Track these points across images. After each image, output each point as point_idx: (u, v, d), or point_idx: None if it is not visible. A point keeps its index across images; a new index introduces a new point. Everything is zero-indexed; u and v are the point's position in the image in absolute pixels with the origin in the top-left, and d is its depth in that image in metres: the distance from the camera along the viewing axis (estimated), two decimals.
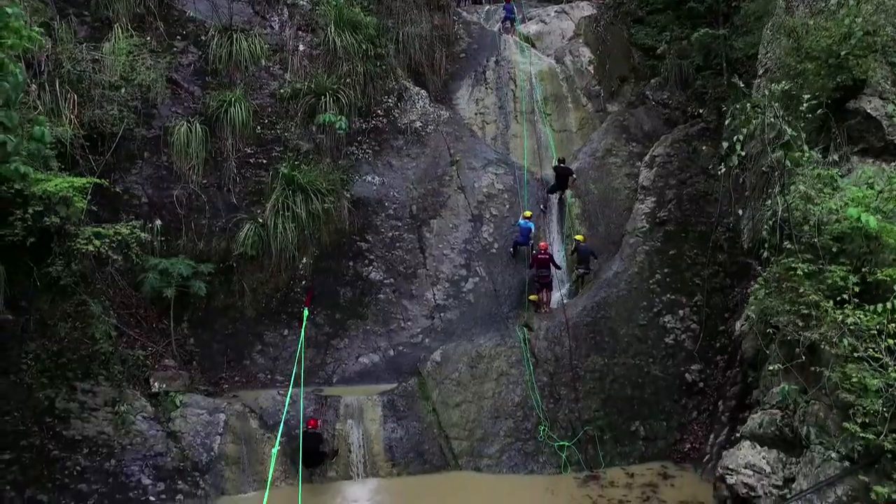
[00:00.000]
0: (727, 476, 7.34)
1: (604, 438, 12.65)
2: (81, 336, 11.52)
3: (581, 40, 18.61)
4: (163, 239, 12.92)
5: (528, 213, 14.74)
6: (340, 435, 12.04)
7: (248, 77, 14.42)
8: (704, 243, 14.03)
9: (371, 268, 14.23)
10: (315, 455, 11.09)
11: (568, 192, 15.49)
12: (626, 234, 14.76)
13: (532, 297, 14.24)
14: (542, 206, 15.72)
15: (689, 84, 16.48)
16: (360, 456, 11.98)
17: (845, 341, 6.28)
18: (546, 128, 16.97)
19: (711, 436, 12.22)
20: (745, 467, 7.21)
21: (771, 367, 7.47)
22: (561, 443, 12.30)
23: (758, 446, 7.40)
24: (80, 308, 11.60)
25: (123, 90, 12.71)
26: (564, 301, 14.37)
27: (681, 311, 13.72)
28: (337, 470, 11.66)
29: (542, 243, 14.47)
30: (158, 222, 13.13)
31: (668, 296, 13.82)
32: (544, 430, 12.39)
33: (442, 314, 14.09)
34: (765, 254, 7.88)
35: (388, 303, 14.20)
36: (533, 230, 14.63)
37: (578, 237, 14.69)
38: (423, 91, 15.91)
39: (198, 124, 13.51)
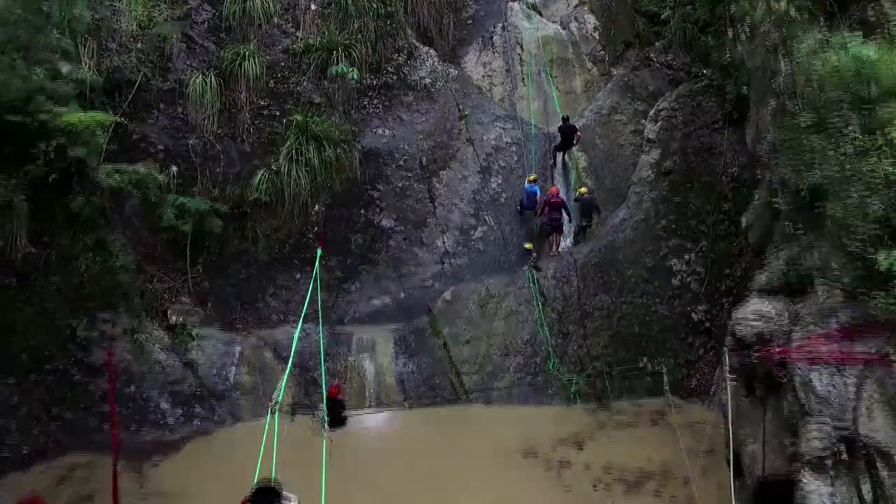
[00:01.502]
0: (737, 327, 7.86)
1: (612, 374, 13.17)
2: (102, 269, 12.07)
3: (586, 7, 19.35)
4: (179, 183, 13.55)
5: (532, 177, 15.20)
6: (353, 368, 12.57)
7: (262, 34, 15.12)
8: (709, 193, 14.57)
9: (382, 216, 14.84)
10: (337, 420, 11.28)
11: (574, 148, 16.12)
12: (632, 184, 15.35)
13: (528, 245, 14.80)
14: (551, 162, 16.35)
15: (694, 46, 17.15)
16: (374, 388, 12.50)
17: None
18: (552, 90, 17.65)
19: (717, 370, 12.74)
20: (754, 316, 7.74)
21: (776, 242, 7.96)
22: (570, 375, 12.79)
23: (765, 297, 7.93)
24: (101, 242, 12.19)
25: (140, 44, 13.44)
26: (570, 248, 14.95)
27: (686, 256, 14.27)
28: (351, 401, 12.18)
29: (553, 188, 15.06)
30: (174, 168, 13.77)
31: (674, 241, 14.38)
32: (554, 364, 12.90)
33: (452, 260, 14.68)
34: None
35: (398, 249, 14.80)
36: (539, 194, 15.19)
37: (582, 190, 15.27)
38: (431, 51, 16.63)
39: (213, 76, 14.18)
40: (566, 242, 15.17)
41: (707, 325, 13.71)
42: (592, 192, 15.27)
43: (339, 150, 13.97)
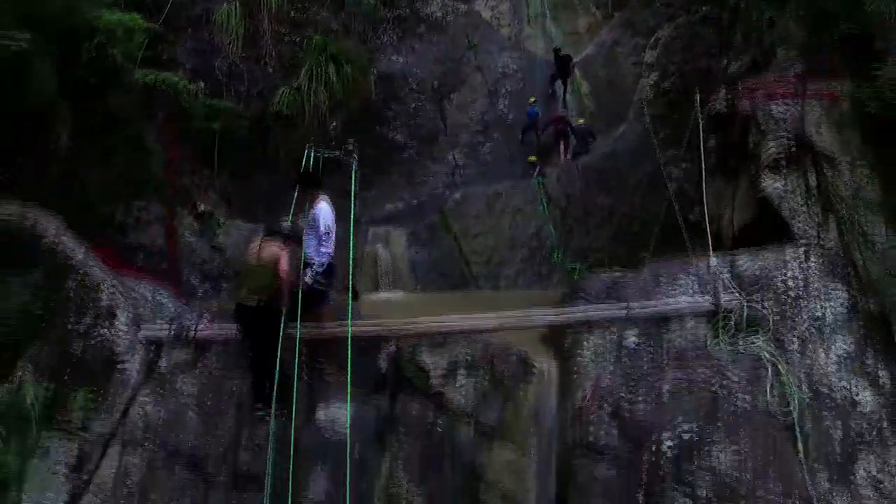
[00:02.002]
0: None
1: (613, 266, 14.10)
2: (137, 164, 13.31)
3: None
4: (207, 94, 14.82)
5: (532, 100, 16.46)
6: (369, 254, 13.63)
7: None
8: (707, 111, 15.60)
9: (396, 132, 15.99)
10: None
11: (577, 73, 17.28)
12: (632, 104, 16.47)
13: (531, 158, 15.90)
14: (550, 91, 17.53)
15: None
16: (388, 273, 13.56)
17: None
18: (557, 30, 18.91)
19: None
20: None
21: None
22: (573, 264, 13.79)
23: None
24: (136, 138, 13.44)
25: None
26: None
27: (684, 164, 15.28)
28: (366, 284, 13.23)
29: (557, 114, 16.27)
30: (202, 83, 15.05)
31: (672, 151, 15.40)
32: (557, 255, 13.91)
33: (461, 171, 15.77)
34: None
35: (411, 162, 15.93)
36: (540, 114, 16.36)
37: (580, 121, 16.45)
38: None
39: (237, 3, 15.58)
40: (568, 156, 16.21)
41: (702, 226, 14.55)
42: (586, 122, 16.30)
43: (355, 72, 15.17)
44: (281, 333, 6.63)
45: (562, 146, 15.78)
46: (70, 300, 7.16)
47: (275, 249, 6.99)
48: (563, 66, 16.75)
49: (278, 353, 6.47)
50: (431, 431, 6.88)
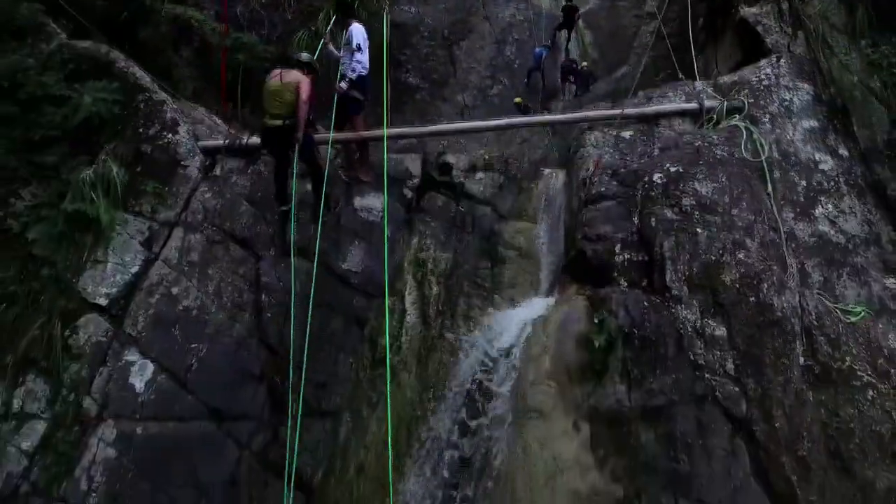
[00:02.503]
0: None
1: None
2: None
3: None
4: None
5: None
6: None
7: None
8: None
9: (409, 76, 17.63)
10: None
11: (581, 24, 19.02)
12: (632, 49, 18.15)
13: (517, 100, 17.49)
14: (548, 42, 19.25)
15: None
16: None
17: None
18: None
19: None
20: None
21: None
22: None
23: None
24: (165, 68, 15.04)
25: None
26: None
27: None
28: None
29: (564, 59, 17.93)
30: (223, 24, 16.72)
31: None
32: None
33: (470, 112, 17.39)
34: None
35: (423, 102, 17.53)
36: (545, 55, 18.04)
37: (584, 64, 18.10)
38: None
39: None
40: (571, 95, 17.82)
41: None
42: (588, 66, 17.98)
43: (371, 19, 16.84)
44: (295, 153, 7.93)
45: (566, 86, 17.32)
46: (140, 111, 8.60)
47: (297, 74, 8.19)
48: (568, 16, 18.41)
49: (316, 155, 7.79)
50: (454, 214, 8.24)
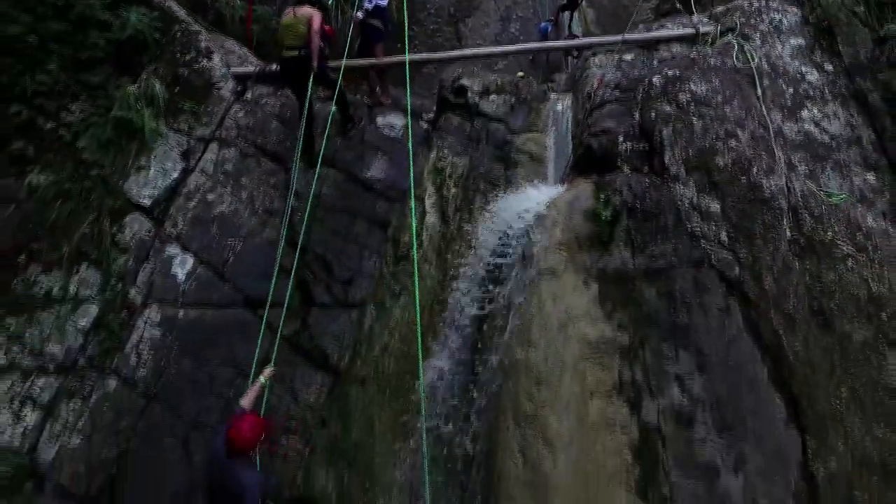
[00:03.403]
0: None
1: None
2: None
3: None
4: None
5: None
6: None
7: None
8: None
9: (416, 49, 18.68)
10: None
11: (584, 4, 20.11)
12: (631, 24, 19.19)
13: (520, 74, 18.47)
14: (551, 19, 20.32)
15: None
16: None
17: None
18: None
19: None
20: None
21: None
22: None
23: None
24: None
25: None
26: None
27: None
28: None
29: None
30: None
31: None
32: None
33: None
34: None
35: (430, 77, 18.52)
36: (549, 29, 19.12)
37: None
38: None
39: None
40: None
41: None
42: None
43: None
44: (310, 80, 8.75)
45: (569, 60, 18.36)
46: (177, 39, 9.54)
47: (308, 9, 8.91)
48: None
49: (339, 79, 8.71)
50: (469, 131, 9.16)
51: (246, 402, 6.43)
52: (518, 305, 6.72)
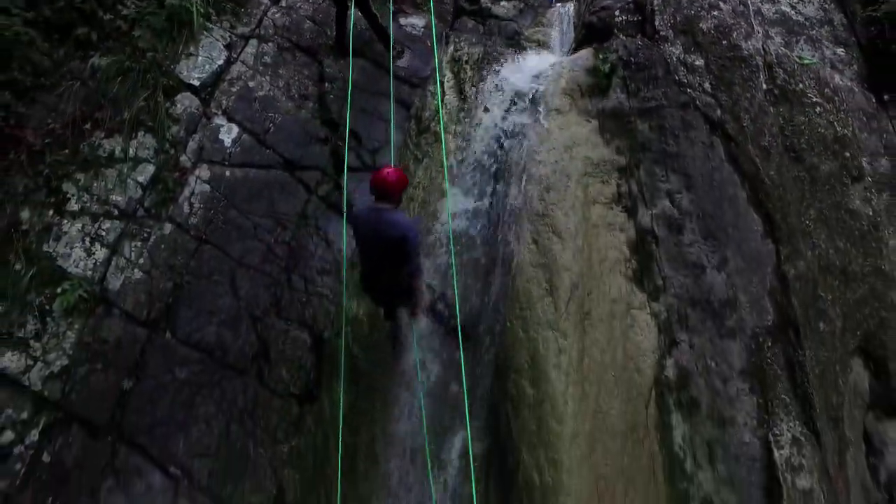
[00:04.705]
0: None
1: None
2: None
3: None
4: None
5: None
6: None
7: None
8: None
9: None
10: None
11: None
12: None
13: None
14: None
15: None
16: None
17: None
18: None
19: None
20: None
21: None
22: None
23: None
24: None
25: None
26: None
27: None
28: None
29: None
30: None
31: None
32: None
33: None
34: None
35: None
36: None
37: None
38: None
39: None
40: None
41: None
42: None
43: None
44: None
45: None
46: None
47: None
48: None
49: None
50: (483, 29, 10.58)
51: None
52: (528, 134, 8.01)
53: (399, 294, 6.72)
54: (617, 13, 9.03)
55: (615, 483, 6.42)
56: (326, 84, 9.80)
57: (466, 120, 9.01)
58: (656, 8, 8.77)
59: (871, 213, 7.99)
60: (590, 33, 9.18)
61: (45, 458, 7.81)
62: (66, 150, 8.93)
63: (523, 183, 7.46)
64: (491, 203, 7.97)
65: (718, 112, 8.16)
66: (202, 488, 7.76)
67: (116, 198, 8.81)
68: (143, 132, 9.21)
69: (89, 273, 8.40)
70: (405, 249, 6.03)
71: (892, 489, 7.40)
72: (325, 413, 7.97)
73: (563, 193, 7.38)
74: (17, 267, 8.31)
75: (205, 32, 9.91)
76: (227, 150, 9.25)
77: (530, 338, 6.68)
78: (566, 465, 6.18)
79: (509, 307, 6.87)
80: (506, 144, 8.25)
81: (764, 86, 8.42)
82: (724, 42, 8.48)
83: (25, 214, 8.55)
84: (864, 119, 8.50)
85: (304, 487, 7.77)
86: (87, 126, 9.18)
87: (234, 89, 9.75)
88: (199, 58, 9.78)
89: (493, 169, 8.32)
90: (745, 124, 8.07)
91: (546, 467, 6.22)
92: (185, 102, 9.48)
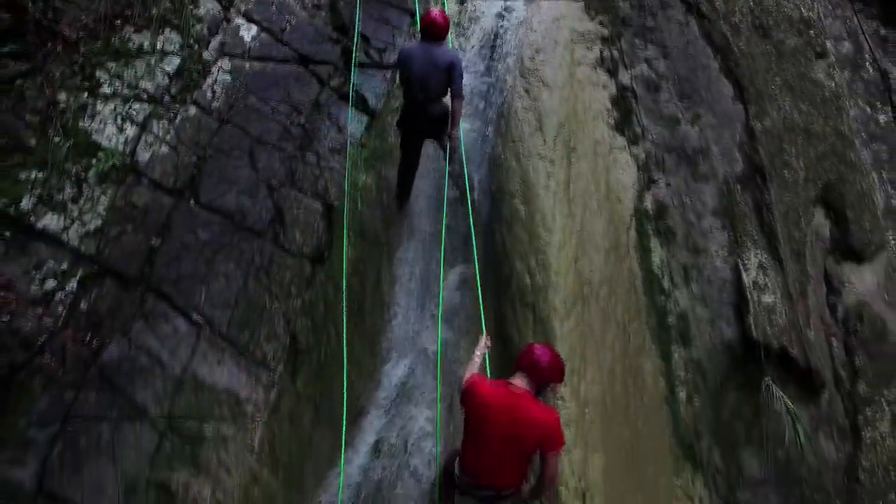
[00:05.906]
0: None
1: None
2: None
3: None
4: None
5: None
6: None
7: None
8: None
9: None
10: None
11: None
12: None
13: None
14: None
15: None
16: None
17: None
18: None
19: None
20: None
21: None
22: None
23: None
24: None
25: None
26: None
27: None
28: None
29: None
30: None
31: None
32: None
33: None
34: None
35: None
36: None
37: None
38: None
39: None
40: None
41: None
42: None
43: None
44: None
45: None
46: None
47: None
48: None
49: None
50: None
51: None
52: (520, 10, 9.12)
53: (437, 119, 7.69)
54: None
55: (599, 289, 7.39)
56: None
57: (467, 19, 10.09)
58: None
59: (833, 86, 9.02)
60: None
61: (83, 306, 8.74)
62: (99, 43, 9.99)
63: (514, 42, 8.51)
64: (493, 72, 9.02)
65: None
66: (222, 335, 8.66)
67: (146, 84, 9.86)
68: (168, 29, 10.28)
69: (121, 147, 9.43)
70: (452, 73, 7.21)
71: (848, 323, 8.35)
72: (335, 269, 8.93)
73: (551, 54, 8.44)
74: (56, 139, 9.35)
75: None
76: (247, 45, 10.32)
77: (522, 166, 7.70)
78: (555, 268, 7.16)
79: (504, 142, 7.91)
80: (504, 25, 9.27)
81: None
82: None
83: (62, 96, 9.60)
84: (830, 7, 9.56)
85: (314, 333, 8.70)
86: (118, 22, 10.27)
87: None
88: None
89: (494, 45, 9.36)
90: (716, 5, 9.14)
91: (537, 270, 7.21)
92: (208, 5, 10.58)
